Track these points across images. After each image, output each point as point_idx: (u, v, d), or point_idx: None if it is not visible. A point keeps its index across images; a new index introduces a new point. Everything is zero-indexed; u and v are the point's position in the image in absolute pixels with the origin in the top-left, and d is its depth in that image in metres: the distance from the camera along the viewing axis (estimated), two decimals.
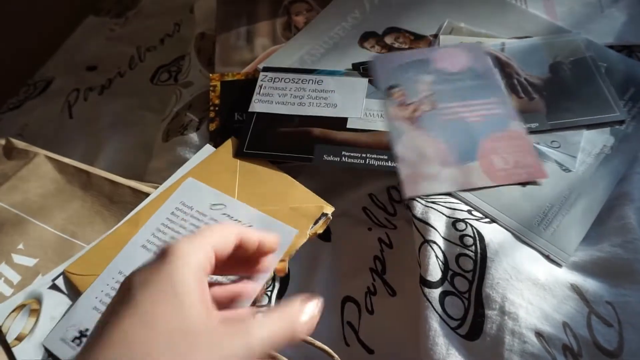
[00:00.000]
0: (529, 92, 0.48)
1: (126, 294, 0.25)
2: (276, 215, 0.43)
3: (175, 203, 0.44)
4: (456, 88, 0.50)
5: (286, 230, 0.41)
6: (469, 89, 0.50)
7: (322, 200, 0.45)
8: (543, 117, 0.48)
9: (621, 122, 0.48)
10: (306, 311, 0.29)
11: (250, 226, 0.40)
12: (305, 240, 0.42)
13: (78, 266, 0.43)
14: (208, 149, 0.50)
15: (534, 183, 0.44)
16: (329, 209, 0.44)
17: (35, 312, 0.41)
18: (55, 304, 0.42)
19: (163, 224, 0.44)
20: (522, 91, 0.48)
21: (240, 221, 0.41)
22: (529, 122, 0.47)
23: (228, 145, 0.50)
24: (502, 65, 0.50)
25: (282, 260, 0.41)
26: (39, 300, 0.42)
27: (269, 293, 0.45)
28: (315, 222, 0.43)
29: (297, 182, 0.46)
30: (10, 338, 0.40)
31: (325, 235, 0.48)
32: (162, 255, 0.26)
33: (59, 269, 0.43)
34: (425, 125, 0.48)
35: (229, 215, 0.42)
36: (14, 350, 0.39)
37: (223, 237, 0.29)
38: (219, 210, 0.42)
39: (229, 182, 0.46)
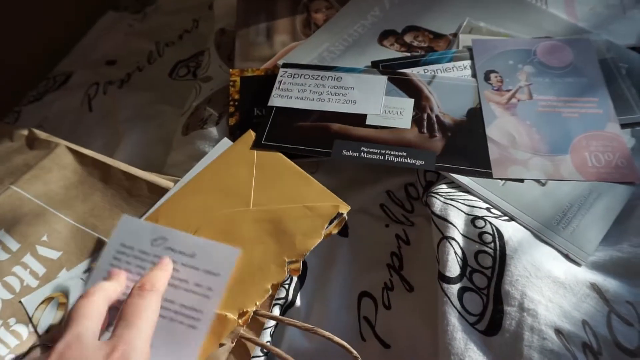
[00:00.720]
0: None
1: None
2: (291, 213, 0.43)
3: (115, 246, 0.41)
4: (556, 82, 0.51)
5: (228, 251, 0.39)
6: (570, 85, 0.50)
7: (339, 199, 0.44)
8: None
9: None
10: None
11: (192, 256, 0.39)
12: (319, 240, 0.42)
13: None
14: (226, 142, 0.50)
15: (629, 184, 0.44)
16: (345, 209, 0.43)
17: (64, 306, 0.42)
18: None
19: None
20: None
21: (183, 252, 0.40)
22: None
23: (246, 139, 0.50)
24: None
25: (295, 262, 0.41)
26: (66, 294, 0.42)
27: (286, 286, 0.46)
28: (331, 222, 0.43)
29: (314, 180, 0.45)
30: (41, 330, 0.40)
31: (343, 231, 0.48)
32: None
33: (85, 264, 0.44)
34: (520, 113, 0.49)
35: (171, 249, 0.40)
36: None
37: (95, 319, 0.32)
38: (160, 245, 0.41)
39: (247, 177, 0.46)
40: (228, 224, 0.43)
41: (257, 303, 0.39)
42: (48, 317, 0.41)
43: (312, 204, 0.44)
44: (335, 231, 0.43)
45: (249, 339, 0.39)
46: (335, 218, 0.43)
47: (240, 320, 0.38)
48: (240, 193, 0.45)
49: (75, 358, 0.29)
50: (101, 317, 0.33)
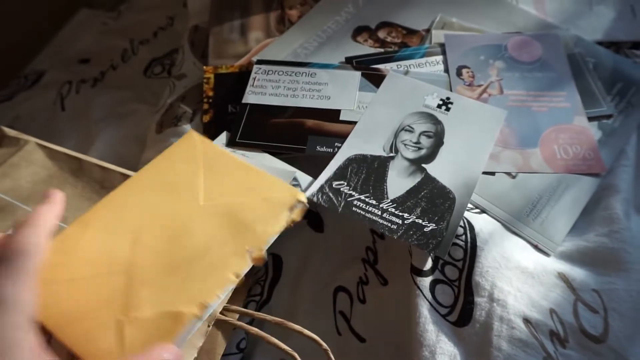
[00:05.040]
0: None
1: None
2: (247, 205, 0.41)
3: None
4: (525, 77, 0.52)
5: None
6: (539, 80, 0.51)
7: (294, 188, 0.43)
8: None
9: (609, 117, 0.49)
10: None
11: None
12: (281, 228, 0.40)
13: None
14: (192, 134, 0.47)
15: (595, 175, 0.45)
16: (302, 196, 0.42)
17: None
18: None
19: None
20: None
21: None
22: None
23: (188, 137, 0.46)
24: None
25: (258, 251, 0.39)
26: None
27: (262, 283, 0.46)
28: (292, 211, 0.41)
29: (266, 172, 0.44)
30: None
31: (318, 226, 0.48)
32: None
33: None
34: None
35: None
36: None
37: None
38: None
39: (193, 173, 0.44)
40: (175, 221, 0.41)
41: (219, 294, 0.37)
42: None
43: (268, 195, 0.42)
44: (298, 219, 0.42)
45: (226, 321, 0.38)
46: (295, 206, 0.41)
47: (199, 311, 0.36)
48: (187, 190, 0.43)
49: None
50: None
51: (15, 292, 0.25)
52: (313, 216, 0.47)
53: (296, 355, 0.36)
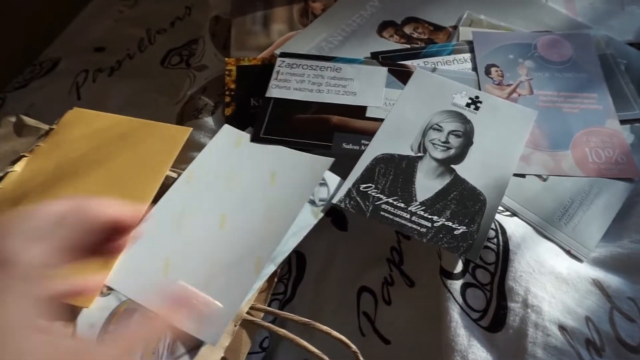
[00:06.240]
0: None
1: None
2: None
3: None
4: (556, 77, 0.50)
5: None
6: (570, 81, 0.50)
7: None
8: None
9: None
10: None
11: None
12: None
13: None
14: (227, 129, 0.49)
15: (628, 180, 0.44)
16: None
17: None
18: None
19: None
20: None
21: None
22: None
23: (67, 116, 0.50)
24: None
25: None
26: None
27: (285, 281, 0.45)
28: None
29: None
30: None
31: (342, 225, 0.47)
32: None
33: None
34: None
35: None
36: None
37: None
38: None
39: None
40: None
41: None
42: None
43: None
44: None
45: (252, 321, 0.38)
46: None
47: None
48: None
49: None
50: None
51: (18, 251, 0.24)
52: (337, 215, 0.47)
53: (325, 357, 0.35)
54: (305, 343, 0.36)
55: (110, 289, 0.38)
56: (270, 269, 0.40)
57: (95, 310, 0.37)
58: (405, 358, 0.41)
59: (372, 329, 0.43)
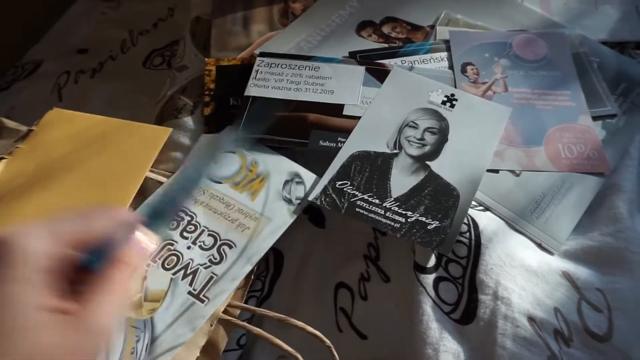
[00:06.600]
0: None
1: None
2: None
3: None
4: (530, 75, 0.51)
5: None
6: (544, 78, 0.51)
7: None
8: None
9: (613, 116, 0.49)
10: None
11: None
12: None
13: None
14: (204, 138, 0.50)
15: (599, 175, 0.44)
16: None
17: None
18: None
19: None
20: None
21: None
22: None
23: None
24: None
25: None
26: None
27: (262, 278, 0.45)
28: None
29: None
30: None
31: (320, 222, 0.48)
32: None
33: None
34: None
35: None
36: None
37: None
38: None
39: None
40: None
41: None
42: None
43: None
44: None
45: (228, 320, 0.38)
46: None
47: None
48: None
49: None
50: None
51: (26, 242, 0.22)
52: (315, 212, 0.47)
53: (299, 356, 0.35)
54: (280, 342, 0.36)
55: None
56: (247, 268, 0.41)
57: None
58: (382, 352, 0.41)
59: (349, 325, 0.43)
